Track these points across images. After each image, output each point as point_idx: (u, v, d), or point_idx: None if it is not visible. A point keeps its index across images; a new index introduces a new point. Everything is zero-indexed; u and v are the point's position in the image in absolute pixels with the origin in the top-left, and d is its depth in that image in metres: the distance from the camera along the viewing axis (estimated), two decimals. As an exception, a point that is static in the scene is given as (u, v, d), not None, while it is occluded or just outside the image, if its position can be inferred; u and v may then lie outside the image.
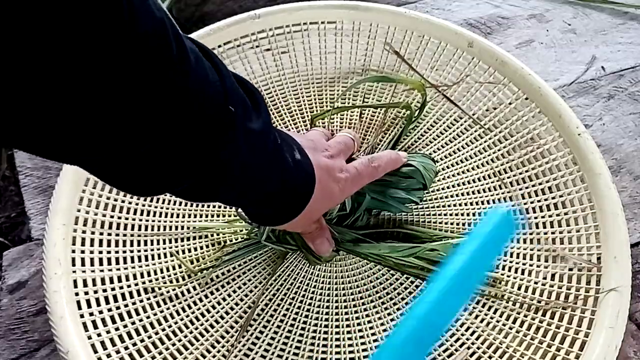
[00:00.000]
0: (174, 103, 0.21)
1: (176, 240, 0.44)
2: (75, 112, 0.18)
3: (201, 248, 0.44)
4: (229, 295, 0.42)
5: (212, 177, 0.25)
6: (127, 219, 0.44)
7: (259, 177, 0.28)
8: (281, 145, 0.30)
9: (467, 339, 0.39)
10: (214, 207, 0.47)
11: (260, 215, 0.35)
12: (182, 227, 0.45)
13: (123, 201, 0.44)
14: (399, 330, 0.24)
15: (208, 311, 0.41)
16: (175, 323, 0.40)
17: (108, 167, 0.23)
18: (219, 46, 0.53)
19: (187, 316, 0.40)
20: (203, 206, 0.46)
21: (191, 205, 0.46)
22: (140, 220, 0.44)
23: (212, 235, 0.45)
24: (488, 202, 0.47)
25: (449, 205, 0.47)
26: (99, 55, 0.17)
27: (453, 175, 0.49)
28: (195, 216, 0.46)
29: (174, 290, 0.42)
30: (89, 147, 0.20)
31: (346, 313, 0.41)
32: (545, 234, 0.43)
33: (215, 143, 0.24)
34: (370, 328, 0.41)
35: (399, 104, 0.52)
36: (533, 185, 0.46)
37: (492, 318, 0.40)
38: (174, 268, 0.43)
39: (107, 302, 0.39)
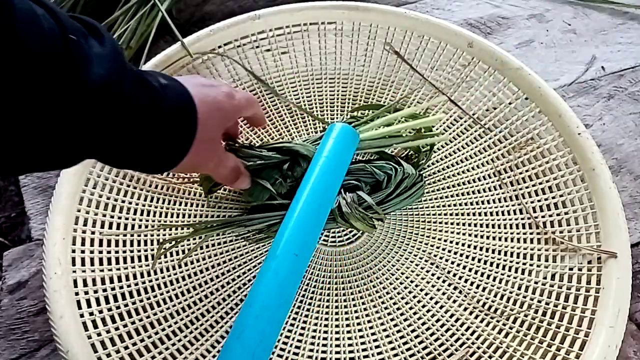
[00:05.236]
0: (4, 43, 0.21)
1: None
2: None
3: (201, 248, 0.44)
4: (229, 296, 0.42)
5: (76, 113, 0.25)
6: (127, 219, 0.44)
7: (127, 96, 0.27)
8: (140, 71, 0.29)
9: (467, 339, 0.40)
10: (213, 208, 0.47)
11: (160, 152, 0.30)
12: (182, 227, 0.45)
13: (123, 201, 0.44)
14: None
15: (208, 311, 0.41)
16: (175, 323, 0.40)
17: None
18: (220, 47, 0.53)
19: (187, 316, 0.41)
20: (203, 206, 0.46)
21: (191, 206, 0.46)
22: (140, 220, 0.44)
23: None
24: (488, 202, 0.47)
25: (449, 205, 0.47)
26: None
27: (453, 175, 0.49)
28: (195, 216, 0.46)
29: (173, 290, 0.42)
30: None
31: (346, 313, 0.41)
32: (546, 233, 0.43)
33: (66, 72, 0.24)
34: (370, 328, 0.41)
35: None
36: (533, 185, 0.46)
37: (492, 318, 0.40)
38: (173, 268, 0.43)
39: (107, 302, 0.40)
